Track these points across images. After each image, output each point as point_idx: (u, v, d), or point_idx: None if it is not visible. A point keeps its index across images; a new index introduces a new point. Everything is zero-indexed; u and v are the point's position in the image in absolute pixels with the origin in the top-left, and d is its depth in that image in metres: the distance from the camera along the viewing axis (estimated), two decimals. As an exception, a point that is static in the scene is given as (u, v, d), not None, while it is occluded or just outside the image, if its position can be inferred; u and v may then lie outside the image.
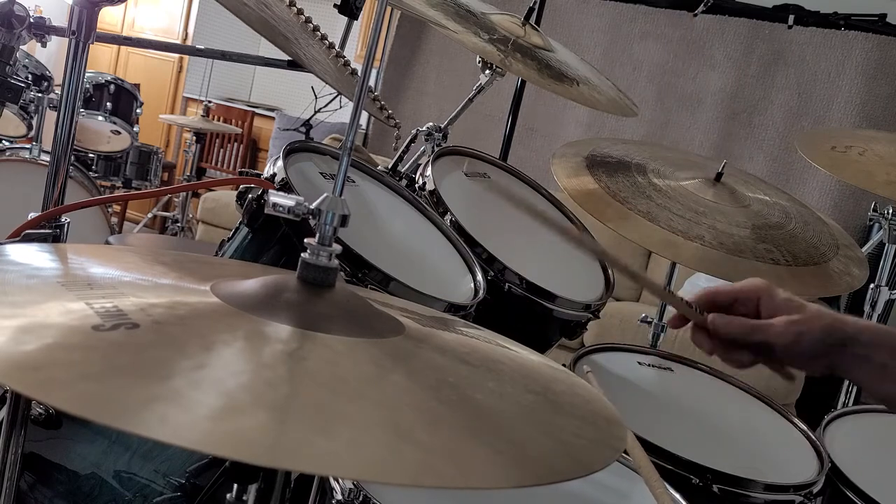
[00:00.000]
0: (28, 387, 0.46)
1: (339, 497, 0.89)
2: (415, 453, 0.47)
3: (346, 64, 1.40)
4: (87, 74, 1.26)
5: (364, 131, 5.15)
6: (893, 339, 0.85)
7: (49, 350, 0.50)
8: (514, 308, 1.32)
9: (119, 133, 3.89)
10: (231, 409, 0.47)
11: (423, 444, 0.49)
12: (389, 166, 1.62)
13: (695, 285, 3.68)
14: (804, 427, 1.40)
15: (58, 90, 2.74)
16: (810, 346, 0.85)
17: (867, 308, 1.92)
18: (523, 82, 2.83)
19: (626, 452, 0.94)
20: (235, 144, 5.82)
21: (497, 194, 0.81)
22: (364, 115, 4.52)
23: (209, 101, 4.82)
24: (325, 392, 0.52)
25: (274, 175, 1.14)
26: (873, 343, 0.85)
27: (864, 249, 1.62)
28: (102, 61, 5.86)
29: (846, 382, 1.88)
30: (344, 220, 0.66)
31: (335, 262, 0.66)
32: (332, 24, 1.50)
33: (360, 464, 0.46)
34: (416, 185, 1.42)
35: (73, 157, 1.08)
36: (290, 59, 1.19)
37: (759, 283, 0.89)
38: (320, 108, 3.00)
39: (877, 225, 1.87)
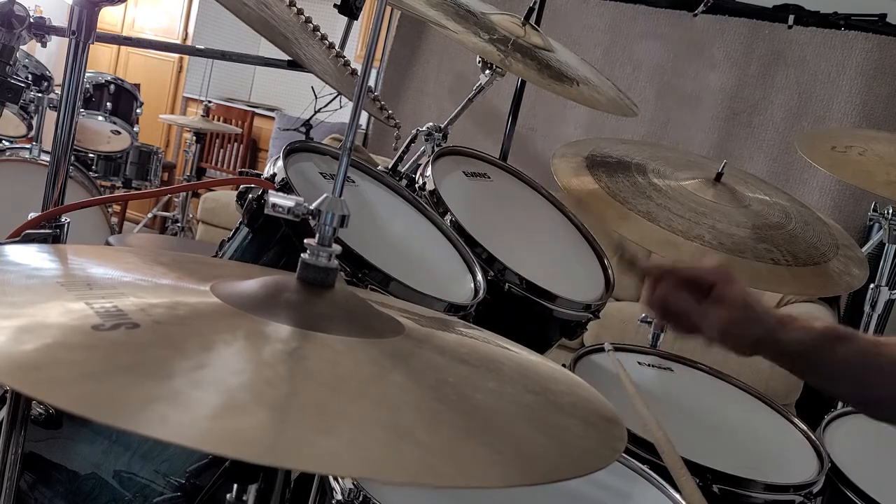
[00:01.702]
0: (28, 386, 0.46)
1: (339, 497, 0.89)
2: (415, 452, 0.47)
3: (346, 64, 1.40)
4: (87, 74, 1.25)
5: (364, 131, 5.14)
6: (827, 352, 0.90)
7: (49, 350, 0.50)
8: (514, 308, 1.32)
9: (119, 133, 3.89)
10: (231, 408, 0.47)
11: (423, 443, 0.49)
12: (389, 166, 1.62)
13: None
14: (804, 427, 1.40)
15: (58, 90, 2.74)
16: (734, 343, 0.93)
17: (867, 308, 1.92)
18: (523, 82, 2.82)
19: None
20: (235, 144, 5.82)
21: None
22: (364, 115, 4.52)
23: (209, 101, 4.82)
24: (326, 391, 0.52)
25: (274, 175, 1.14)
26: (804, 354, 0.91)
27: (864, 249, 1.62)
28: (102, 61, 5.86)
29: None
30: (343, 221, 0.66)
31: (335, 262, 0.66)
32: (332, 24, 1.50)
33: (360, 463, 0.46)
34: (416, 185, 1.42)
35: (73, 157, 1.08)
36: (290, 59, 1.19)
37: (719, 273, 0.94)
38: (320, 108, 3.00)
39: (877, 225, 1.87)
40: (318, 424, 0.48)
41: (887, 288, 1.89)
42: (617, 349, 1.55)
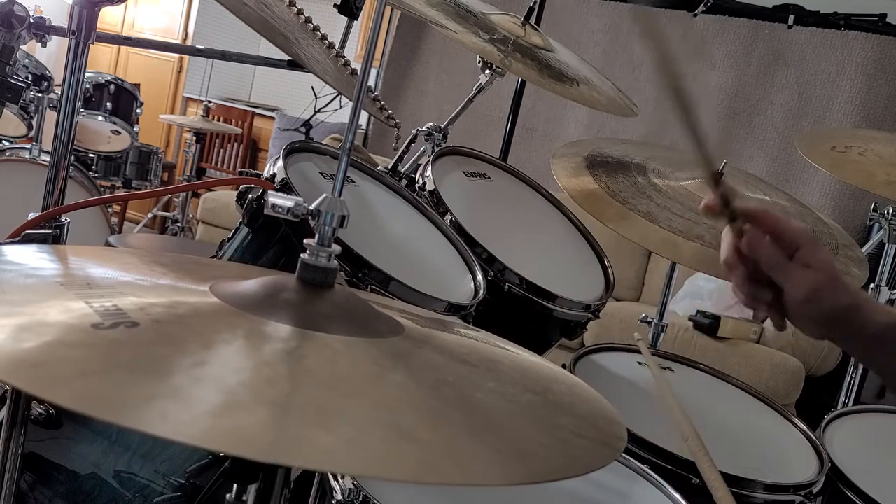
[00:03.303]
0: (28, 383, 0.46)
1: (339, 497, 0.89)
2: (415, 451, 0.47)
3: (346, 64, 1.40)
4: (87, 74, 1.26)
5: (364, 131, 5.15)
6: None
7: (49, 348, 0.50)
8: (514, 308, 1.32)
9: (119, 133, 3.89)
10: (231, 405, 0.47)
11: (423, 441, 0.49)
12: (389, 166, 1.62)
13: (695, 285, 3.69)
14: (804, 427, 1.40)
15: (58, 90, 2.74)
16: (817, 313, 0.84)
17: (867, 308, 1.91)
18: (523, 82, 2.83)
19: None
20: (235, 144, 5.82)
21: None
22: (364, 115, 4.52)
23: (209, 101, 4.82)
24: (326, 390, 0.52)
25: (274, 175, 1.14)
26: (886, 336, 0.84)
27: (864, 249, 1.62)
28: (102, 61, 5.86)
29: (846, 382, 1.88)
30: (343, 221, 0.66)
31: (334, 262, 0.66)
32: (332, 24, 1.50)
33: (361, 460, 0.46)
34: (416, 185, 1.42)
35: (73, 157, 1.09)
36: (290, 59, 1.19)
37: (805, 233, 0.86)
38: (320, 108, 3.00)
39: (877, 225, 1.87)
40: (318, 422, 0.48)
41: (887, 288, 1.88)
42: (617, 349, 1.55)
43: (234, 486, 0.64)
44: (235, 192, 1.15)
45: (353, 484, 0.89)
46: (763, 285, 0.86)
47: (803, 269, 0.84)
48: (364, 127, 5.13)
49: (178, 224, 4.64)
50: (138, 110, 4.03)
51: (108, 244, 2.45)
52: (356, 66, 1.32)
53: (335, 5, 1.35)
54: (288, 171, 1.14)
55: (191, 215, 4.80)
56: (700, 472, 0.83)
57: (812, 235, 0.86)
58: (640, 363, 1.53)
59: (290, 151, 1.22)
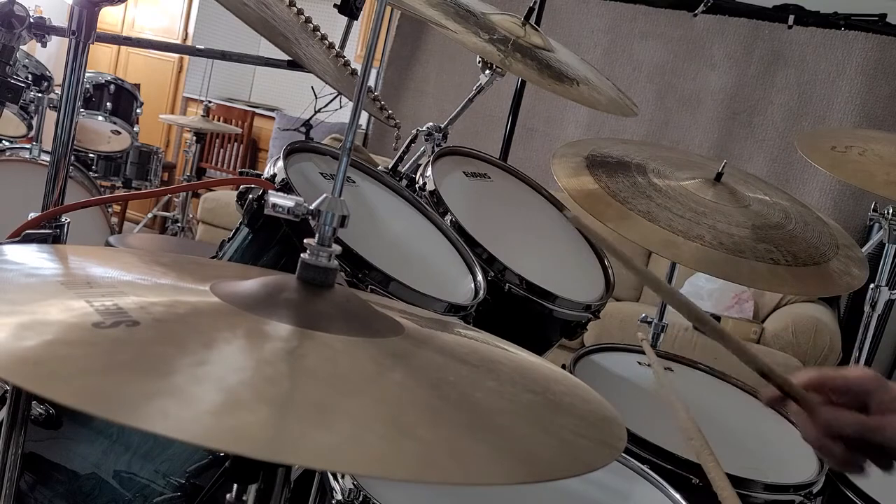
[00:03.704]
0: (29, 381, 0.46)
1: (339, 497, 0.89)
2: (415, 449, 0.48)
3: (346, 64, 1.40)
4: (87, 74, 1.26)
5: (364, 131, 5.15)
6: None
7: (50, 346, 0.50)
8: (515, 308, 1.32)
9: (119, 133, 3.89)
10: (232, 404, 0.47)
11: (424, 440, 0.49)
12: (389, 166, 1.63)
13: (695, 285, 3.69)
14: (804, 427, 1.40)
15: (58, 90, 2.74)
16: None
17: (867, 308, 1.92)
18: (523, 82, 2.83)
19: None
20: (235, 144, 5.82)
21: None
22: (364, 115, 4.52)
23: (209, 101, 4.82)
24: (326, 389, 0.52)
25: (274, 175, 1.14)
26: None
27: (864, 249, 1.62)
28: (102, 61, 5.86)
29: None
30: (343, 221, 0.66)
31: (334, 262, 0.66)
32: (332, 24, 1.50)
33: (361, 459, 0.46)
34: (416, 185, 1.42)
35: (73, 157, 1.09)
36: (290, 59, 1.19)
37: (870, 378, 0.84)
38: (320, 108, 3.00)
39: (877, 225, 1.86)
40: (318, 421, 0.48)
41: (887, 288, 1.88)
42: (617, 349, 1.55)
43: (234, 486, 0.64)
44: (235, 193, 1.15)
45: (353, 484, 0.89)
46: (863, 447, 0.82)
47: (892, 417, 0.81)
48: (364, 127, 5.13)
49: (178, 224, 4.64)
50: (138, 110, 4.03)
51: (108, 244, 2.45)
52: (356, 66, 1.32)
53: (335, 5, 1.35)
54: (288, 172, 1.14)
55: (191, 215, 4.80)
56: (705, 472, 0.83)
57: (874, 374, 0.84)
58: (640, 363, 1.53)
59: (290, 151, 1.22)
